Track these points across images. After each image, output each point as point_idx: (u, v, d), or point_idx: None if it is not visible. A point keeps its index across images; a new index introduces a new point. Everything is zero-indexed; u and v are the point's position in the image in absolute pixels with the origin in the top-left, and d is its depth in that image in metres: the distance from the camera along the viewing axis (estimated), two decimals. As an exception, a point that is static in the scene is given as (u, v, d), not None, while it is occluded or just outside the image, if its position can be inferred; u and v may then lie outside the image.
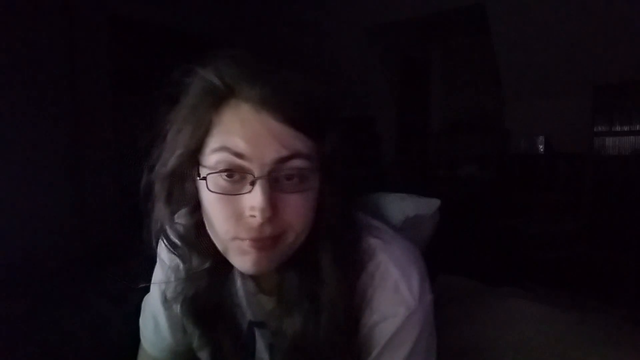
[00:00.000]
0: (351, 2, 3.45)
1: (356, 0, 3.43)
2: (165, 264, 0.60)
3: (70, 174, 2.65)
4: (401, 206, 0.79)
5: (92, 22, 2.78)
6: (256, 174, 0.43)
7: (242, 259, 0.46)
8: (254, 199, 0.43)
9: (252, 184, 0.43)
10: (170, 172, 0.48)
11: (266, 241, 0.45)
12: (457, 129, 4.01)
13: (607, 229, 2.77)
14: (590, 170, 2.92)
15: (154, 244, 0.53)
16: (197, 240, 0.52)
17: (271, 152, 0.43)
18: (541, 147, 3.25)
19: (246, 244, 0.45)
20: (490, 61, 3.40)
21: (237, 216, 0.44)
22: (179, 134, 0.47)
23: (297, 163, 0.44)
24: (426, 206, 0.82)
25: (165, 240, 0.53)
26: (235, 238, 0.45)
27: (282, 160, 0.43)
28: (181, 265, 0.56)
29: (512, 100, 3.49)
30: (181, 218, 0.54)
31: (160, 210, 0.50)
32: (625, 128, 2.78)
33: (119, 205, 2.77)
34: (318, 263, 0.49)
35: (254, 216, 0.43)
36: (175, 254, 0.54)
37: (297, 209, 0.45)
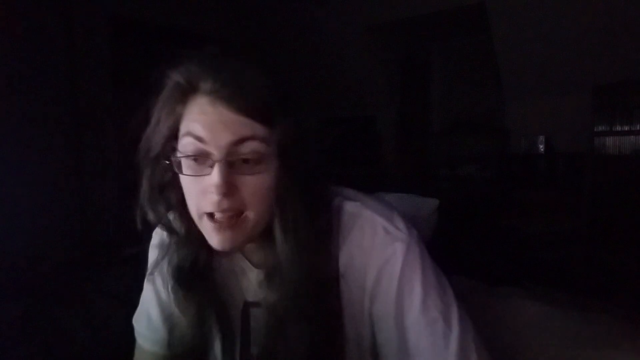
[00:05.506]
0: (352, 1, 3.44)
1: None
2: (153, 244, 0.68)
3: (70, 174, 2.65)
4: (400, 206, 0.79)
5: (92, 22, 2.78)
6: (215, 157, 0.50)
7: (210, 238, 0.54)
8: (213, 179, 0.50)
9: (212, 166, 0.51)
10: (154, 157, 0.56)
11: (226, 221, 0.52)
12: (457, 129, 4.01)
13: (607, 228, 2.77)
14: (590, 170, 2.91)
15: (138, 221, 0.58)
16: (181, 212, 0.59)
17: (225, 138, 0.50)
18: (541, 147, 3.25)
19: (210, 224, 0.53)
20: (490, 61, 3.40)
21: (203, 192, 0.52)
22: (157, 124, 0.55)
23: (250, 146, 0.51)
24: (425, 206, 0.83)
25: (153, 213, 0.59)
26: (203, 213, 0.53)
27: (235, 143, 0.50)
28: (165, 240, 0.63)
29: (512, 100, 3.49)
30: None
31: (146, 189, 0.58)
32: (625, 128, 2.77)
33: (119, 206, 2.78)
34: (274, 238, 0.55)
35: (213, 192, 0.51)
36: (162, 224, 0.61)
37: (252, 188, 0.52)
